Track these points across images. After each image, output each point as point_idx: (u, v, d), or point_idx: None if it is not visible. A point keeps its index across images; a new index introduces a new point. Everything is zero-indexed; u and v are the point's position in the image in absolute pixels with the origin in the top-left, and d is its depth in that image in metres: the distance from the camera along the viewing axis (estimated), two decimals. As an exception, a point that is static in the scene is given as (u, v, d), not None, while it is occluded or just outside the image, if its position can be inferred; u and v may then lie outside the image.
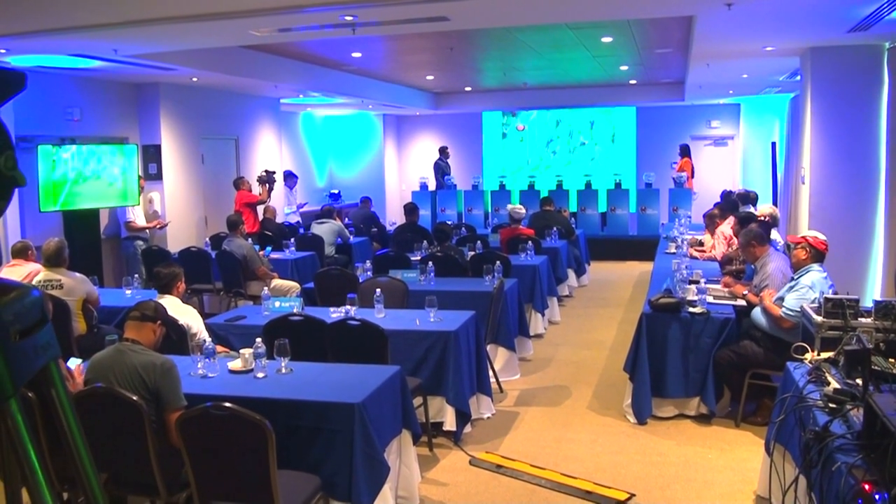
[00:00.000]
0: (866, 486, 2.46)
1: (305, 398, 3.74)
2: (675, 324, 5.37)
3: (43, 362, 0.96)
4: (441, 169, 15.58)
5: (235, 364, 4.24)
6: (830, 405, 3.16)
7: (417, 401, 4.74)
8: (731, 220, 8.05)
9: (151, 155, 10.34)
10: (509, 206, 10.07)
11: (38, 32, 6.28)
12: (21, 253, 6.36)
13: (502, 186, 15.31)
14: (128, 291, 6.79)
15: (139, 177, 9.69)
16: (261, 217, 10.93)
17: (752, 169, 15.51)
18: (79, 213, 8.95)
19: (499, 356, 6.40)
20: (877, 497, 2.40)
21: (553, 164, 17.39)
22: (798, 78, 9.23)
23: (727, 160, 16.22)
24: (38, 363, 0.95)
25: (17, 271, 6.31)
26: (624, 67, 12.47)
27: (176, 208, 10.61)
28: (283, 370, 4.14)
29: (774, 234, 7.10)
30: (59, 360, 1.03)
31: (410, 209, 10.32)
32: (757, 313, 5.28)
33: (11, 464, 0.95)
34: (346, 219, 12.19)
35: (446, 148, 16.03)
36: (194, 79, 10.08)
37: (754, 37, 7.46)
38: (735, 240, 7.34)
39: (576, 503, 4.27)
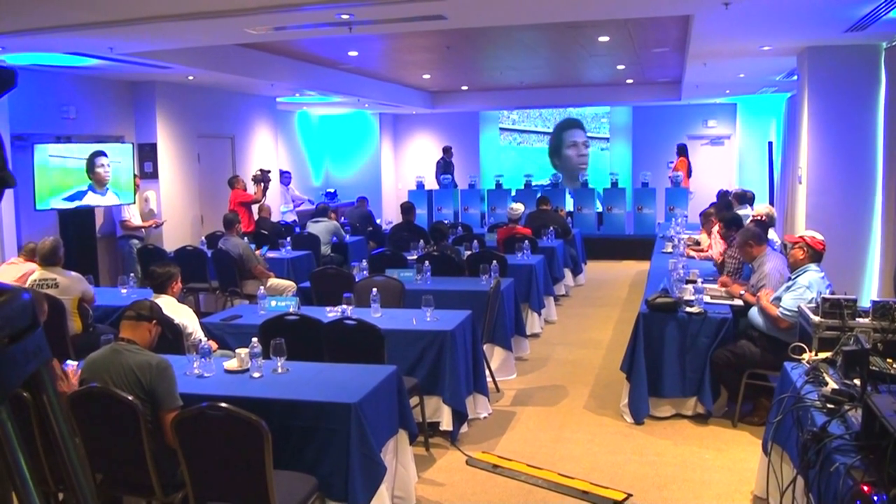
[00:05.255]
0: (865, 488, 2.45)
1: (302, 398, 3.72)
2: (671, 323, 5.36)
3: (33, 368, 0.94)
4: (442, 168, 15.52)
5: (231, 364, 4.22)
6: (828, 405, 3.15)
7: (414, 400, 4.72)
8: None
9: (147, 153, 10.31)
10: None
11: (33, 30, 6.25)
12: (29, 253, 6.41)
13: (499, 185, 15.29)
14: (123, 290, 6.77)
15: (135, 175, 9.67)
16: (256, 216, 10.90)
17: (749, 168, 15.51)
18: (74, 212, 8.92)
19: (495, 356, 6.39)
20: (875, 498, 2.39)
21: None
22: (795, 77, 9.23)
23: (724, 160, 16.22)
24: (27, 369, 0.93)
25: (14, 269, 6.33)
26: (621, 67, 12.46)
27: (172, 207, 10.57)
28: (280, 370, 4.12)
29: (771, 234, 7.09)
30: (51, 362, 1.01)
31: (407, 208, 10.30)
32: (754, 313, 5.27)
33: (1, 468, 0.93)
34: (343, 218, 12.17)
35: (450, 148, 15.93)
36: (190, 77, 10.05)
37: (751, 36, 7.46)
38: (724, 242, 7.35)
39: (573, 503, 4.26)
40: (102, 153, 9.20)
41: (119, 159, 9.35)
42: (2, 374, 0.89)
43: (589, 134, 17.27)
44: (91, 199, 9.14)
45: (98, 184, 9.16)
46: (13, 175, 0.95)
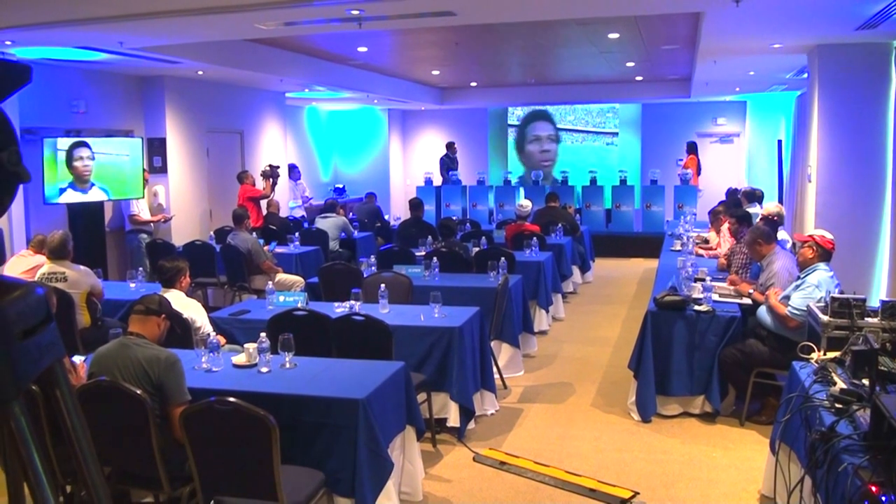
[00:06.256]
0: (873, 488, 2.44)
1: (309, 393, 3.74)
2: (680, 322, 5.35)
3: (47, 362, 0.94)
4: (446, 164, 15.54)
5: (239, 358, 4.23)
6: (837, 405, 3.15)
7: (421, 397, 4.73)
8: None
9: (156, 148, 10.34)
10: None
11: (43, 24, 6.27)
12: (37, 245, 6.42)
13: (507, 182, 15.27)
14: (132, 285, 6.79)
15: (144, 170, 9.69)
16: (264, 211, 10.92)
17: (758, 166, 15.45)
18: (83, 206, 8.94)
19: (503, 352, 6.39)
20: (883, 499, 2.38)
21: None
22: (805, 76, 9.19)
23: (733, 157, 16.17)
24: (42, 363, 0.93)
25: (23, 262, 6.36)
26: (630, 64, 12.42)
27: (180, 202, 10.60)
28: (288, 365, 4.14)
29: (781, 233, 7.06)
30: (64, 357, 1.01)
31: (415, 204, 10.30)
32: (762, 312, 5.26)
33: (14, 463, 0.93)
34: (351, 213, 12.18)
35: (453, 143, 15.98)
36: (200, 72, 10.07)
37: (762, 34, 7.43)
38: (733, 239, 7.33)
39: (579, 501, 4.26)
40: (84, 144, 8.65)
41: (127, 153, 9.33)
42: (17, 368, 0.89)
43: (595, 129, 17.17)
44: (69, 197, 8.59)
45: (79, 180, 8.55)
46: (27, 170, 0.96)
